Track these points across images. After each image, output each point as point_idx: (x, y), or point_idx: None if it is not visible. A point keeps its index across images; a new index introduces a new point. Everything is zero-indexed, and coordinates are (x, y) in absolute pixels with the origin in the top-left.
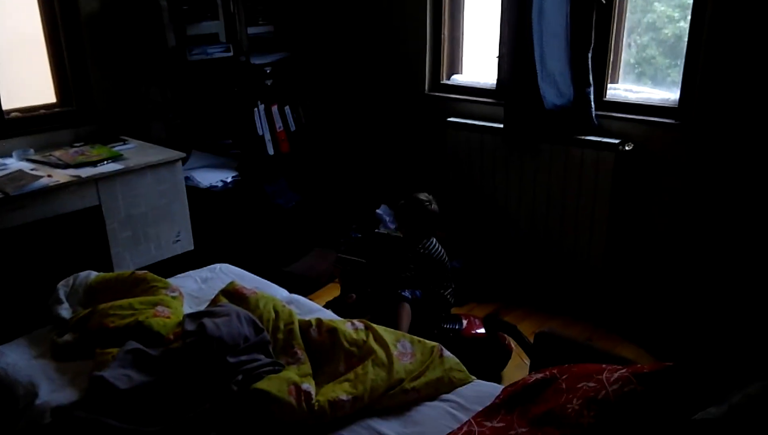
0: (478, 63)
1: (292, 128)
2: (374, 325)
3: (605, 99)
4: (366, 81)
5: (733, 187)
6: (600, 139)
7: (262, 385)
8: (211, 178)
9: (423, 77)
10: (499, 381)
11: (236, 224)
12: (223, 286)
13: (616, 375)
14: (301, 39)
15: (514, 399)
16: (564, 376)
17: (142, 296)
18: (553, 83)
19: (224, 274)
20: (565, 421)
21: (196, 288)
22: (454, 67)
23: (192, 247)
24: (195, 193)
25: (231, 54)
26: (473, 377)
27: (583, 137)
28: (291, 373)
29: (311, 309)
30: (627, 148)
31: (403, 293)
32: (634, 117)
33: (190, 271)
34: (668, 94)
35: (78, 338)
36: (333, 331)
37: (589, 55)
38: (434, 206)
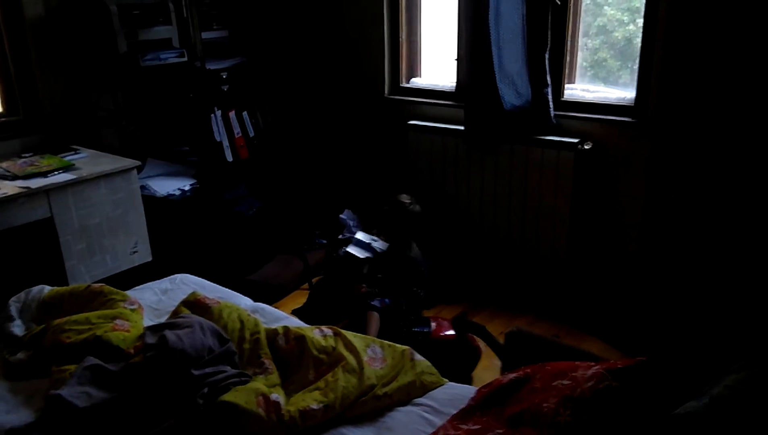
0: (437, 66)
1: (251, 134)
2: (343, 331)
3: (563, 99)
4: (325, 85)
5: (691, 181)
6: (559, 138)
7: (228, 397)
8: (168, 186)
9: (382, 81)
10: (469, 382)
11: (196, 233)
12: (184, 296)
13: (590, 372)
14: (257, 44)
15: (489, 400)
16: (538, 375)
17: (100, 310)
18: (512, 84)
19: (185, 284)
20: (542, 421)
21: (156, 300)
22: (414, 71)
23: (150, 258)
24: (152, 202)
25: (185, 59)
26: (445, 380)
27: (542, 137)
28: (259, 384)
29: (277, 317)
30: (586, 147)
31: (372, 302)
32: (591, 116)
33: (149, 283)
34: (624, 93)
35: (32, 356)
36: (301, 338)
37: (546, 55)
38: (417, 207)
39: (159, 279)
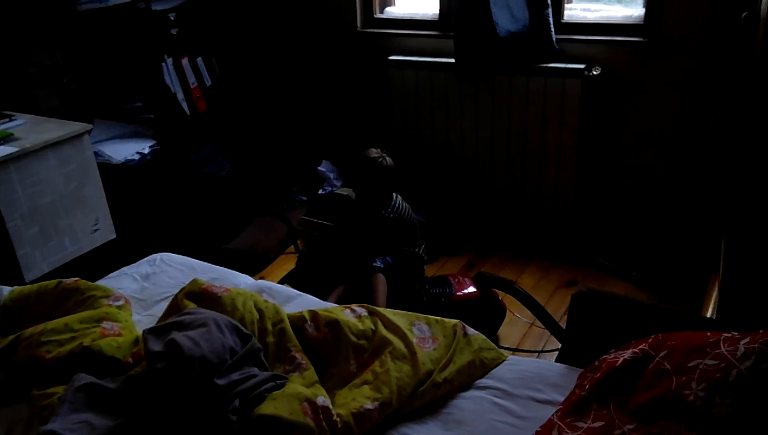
0: None
1: (208, 83)
2: (379, 309)
3: (563, 21)
4: (288, 22)
5: (709, 102)
6: (564, 65)
7: (268, 408)
8: (125, 150)
9: (353, 12)
10: (495, 342)
11: (162, 202)
12: (170, 281)
13: (741, 348)
14: None
15: (604, 388)
16: (662, 353)
17: (80, 311)
18: (506, 7)
19: (168, 265)
20: (689, 413)
21: (138, 288)
22: None
23: (114, 235)
24: (108, 170)
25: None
26: (506, 354)
27: (544, 65)
28: (297, 386)
29: (288, 296)
30: (594, 72)
31: (374, 263)
32: (597, 38)
33: (125, 268)
34: (630, 10)
35: (3, 377)
36: (334, 323)
37: None
38: (388, 160)
39: (128, 258)
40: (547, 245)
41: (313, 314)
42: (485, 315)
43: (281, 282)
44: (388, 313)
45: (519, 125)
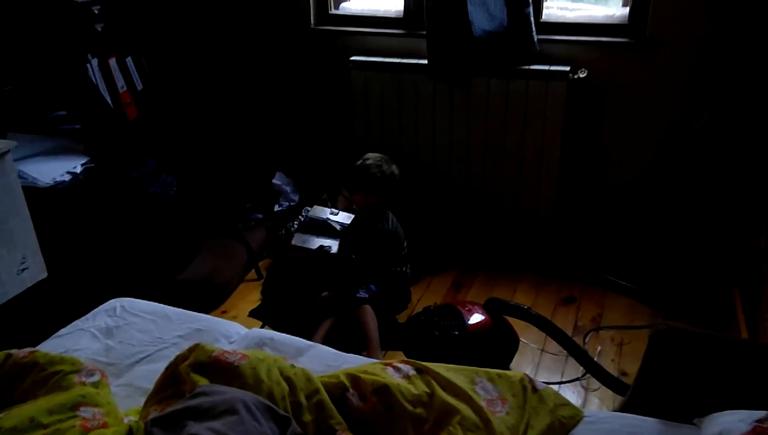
0: None
1: (139, 87)
2: (430, 366)
3: (542, 20)
4: (232, 16)
5: (697, 106)
6: (547, 67)
7: None
8: (52, 170)
9: (306, 6)
10: None
11: (100, 230)
12: (143, 337)
13: None
14: None
15: None
16: None
17: (43, 395)
18: (482, 5)
19: (134, 315)
20: None
21: (101, 348)
22: None
23: (45, 274)
24: (34, 195)
25: None
26: (582, 411)
27: (525, 67)
28: None
29: (298, 349)
30: (581, 75)
31: (359, 295)
32: (578, 38)
33: (78, 322)
34: (610, 9)
35: None
36: (383, 390)
37: None
38: (393, 167)
39: (65, 301)
40: (533, 259)
41: (354, 379)
42: (499, 345)
43: (250, 316)
44: (441, 369)
45: (497, 130)
